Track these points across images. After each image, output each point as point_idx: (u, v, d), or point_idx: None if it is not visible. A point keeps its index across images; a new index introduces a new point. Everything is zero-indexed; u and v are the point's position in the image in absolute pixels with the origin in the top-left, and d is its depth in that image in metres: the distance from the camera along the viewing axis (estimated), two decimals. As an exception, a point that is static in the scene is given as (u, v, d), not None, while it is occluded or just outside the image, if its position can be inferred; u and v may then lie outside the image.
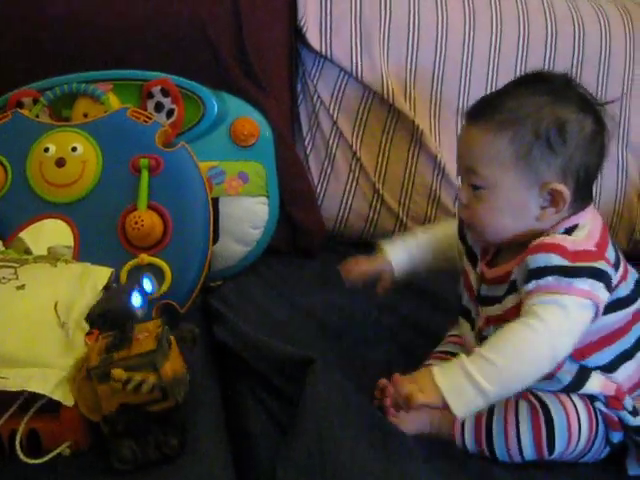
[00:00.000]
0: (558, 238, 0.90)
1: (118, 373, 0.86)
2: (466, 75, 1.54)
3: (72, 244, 1.22)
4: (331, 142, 1.52)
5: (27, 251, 1.20)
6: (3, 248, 1.20)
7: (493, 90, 1.47)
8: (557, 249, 0.88)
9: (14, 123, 1.28)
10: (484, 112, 0.94)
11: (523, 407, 0.94)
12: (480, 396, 0.84)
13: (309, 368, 1.02)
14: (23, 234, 1.22)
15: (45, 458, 0.89)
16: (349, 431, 0.91)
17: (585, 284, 0.87)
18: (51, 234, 1.24)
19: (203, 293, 1.32)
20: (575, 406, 0.93)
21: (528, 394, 0.95)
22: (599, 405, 0.94)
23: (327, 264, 1.46)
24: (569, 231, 0.93)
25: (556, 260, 0.87)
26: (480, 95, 1.46)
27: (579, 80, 0.98)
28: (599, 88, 1.59)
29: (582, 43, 1.58)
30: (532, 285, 0.88)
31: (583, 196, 0.95)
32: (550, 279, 0.87)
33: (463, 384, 0.84)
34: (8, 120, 1.29)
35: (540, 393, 0.95)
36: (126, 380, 0.86)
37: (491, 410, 0.95)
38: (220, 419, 1.03)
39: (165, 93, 1.34)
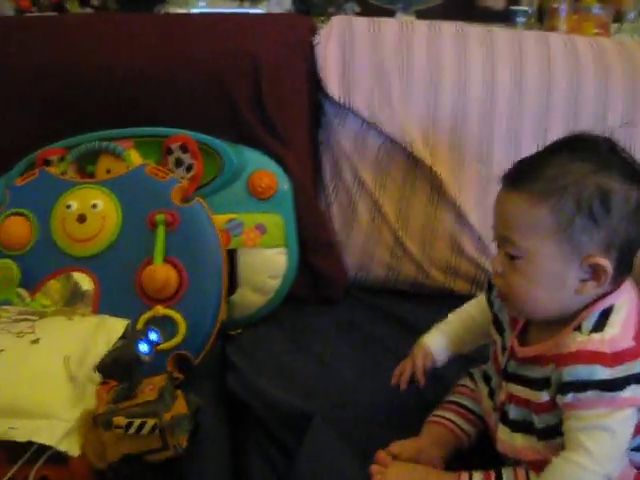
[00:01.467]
0: (595, 341, 0.85)
1: (119, 420, 0.92)
2: (486, 123, 1.53)
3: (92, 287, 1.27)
4: (353, 191, 1.54)
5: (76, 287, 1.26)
6: (29, 299, 1.25)
7: (513, 136, 1.53)
8: (596, 359, 0.83)
9: (41, 180, 1.34)
10: (523, 179, 0.89)
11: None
12: None
13: (310, 427, 1.03)
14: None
15: (53, 507, 0.93)
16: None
17: (628, 392, 0.83)
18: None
19: (222, 341, 1.34)
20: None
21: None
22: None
23: (349, 311, 1.49)
24: (605, 314, 0.88)
25: (597, 373, 0.83)
26: (500, 142, 1.52)
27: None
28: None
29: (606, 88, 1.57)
30: (570, 398, 0.84)
31: (625, 269, 0.89)
32: (590, 394, 0.83)
33: None
34: (35, 177, 1.35)
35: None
36: (127, 424, 0.91)
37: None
38: (225, 471, 1.05)
39: (184, 149, 1.38)
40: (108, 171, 1.36)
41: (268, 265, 1.42)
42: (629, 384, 0.83)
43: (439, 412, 1.08)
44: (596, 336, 0.85)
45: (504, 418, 0.95)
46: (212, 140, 1.40)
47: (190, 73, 1.47)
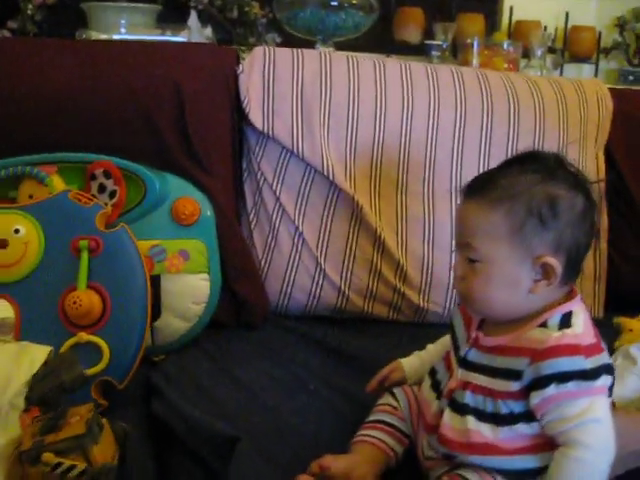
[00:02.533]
0: (570, 336, 0.93)
1: (48, 457, 0.90)
2: (404, 151, 1.59)
3: (13, 321, 1.25)
4: (274, 217, 1.57)
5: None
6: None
7: (431, 164, 1.59)
8: (576, 351, 0.92)
9: (-40, 205, 1.32)
10: (480, 188, 0.99)
11: None
12: None
13: (236, 448, 1.05)
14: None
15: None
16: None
17: (600, 381, 0.92)
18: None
19: (146, 367, 1.34)
20: None
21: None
22: None
23: (270, 336, 1.51)
24: (567, 316, 0.96)
25: (577, 364, 0.91)
26: (418, 171, 1.58)
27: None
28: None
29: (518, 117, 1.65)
30: (552, 390, 0.90)
31: (573, 272, 0.98)
32: (571, 385, 0.90)
33: None
34: (-46, 202, 1.33)
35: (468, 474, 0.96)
36: (55, 465, 0.90)
37: None
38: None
39: (108, 175, 1.38)
40: (30, 196, 1.35)
41: (191, 291, 1.43)
42: (601, 374, 0.92)
43: (366, 431, 1.11)
44: (568, 331, 0.94)
45: (453, 404, 0.99)
46: (135, 166, 1.41)
47: (113, 99, 1.47)
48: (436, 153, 1.61)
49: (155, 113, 1.48)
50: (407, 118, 1.60)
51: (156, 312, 1.37)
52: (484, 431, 0.96)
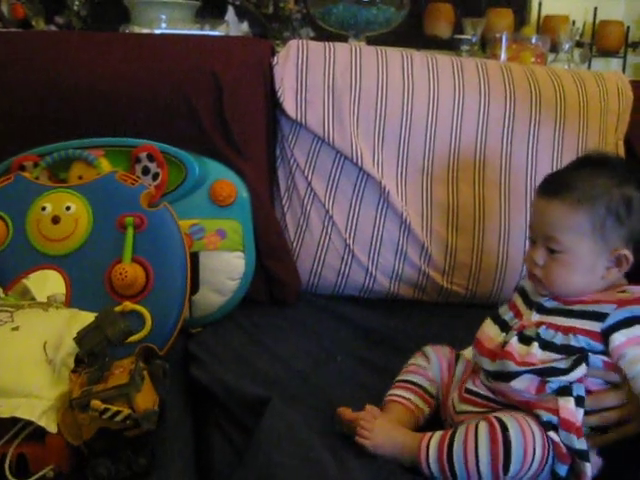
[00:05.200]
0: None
1: (96, 404, 0.99)
2: (430, 139, 1.66)
3: (64, 291, 1.35)
4: (306, 201, 1.65)
5: (29, 295, 1.33)
6: (3, 295, 1.33)
7: (455, 151, 1.66)
8: None
9: (16, 184, 1.42)
10: (560, 190, 1.09)
11: (482, 429, 1.00)
12: None
13: (268, 405, 1.13)
14: (27, 281, 1.35)
15: (31, 479, 1.00)
16: (294, 460, 1.02)
17: None
18: (52, 283, 1.36)
19: (184, 339, 1.43)
20: (532, 430, 1.00)
21: (490, 416, 1.02)
22: (552, 434, 1.01)
23: (301, 313, 1.59)
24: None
25: None
26: (443, 158, 1.65)
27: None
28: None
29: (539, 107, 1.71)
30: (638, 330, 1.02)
31: (637, 259, 1.10)
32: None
33: None
34: (11, 182, 1.42)
35: (501, 414, 1.02)
36: (103, 410, 0.99)
37: (452, 434, 1.03)
38: (188, 447, 1.14)
39: (151, 158, 1.48)
40: (80, 177, 1.44)
41: (227, 267, 1.51)
42: None
43: (397, 392, 1.19)
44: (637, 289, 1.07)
45: (521, 335, 1.08)
46: (176, 151, 1.50)
47: (156, 89, 1.56)
48: (460, 141, 1.67)
49: (195, 101, 1.57)
50: (433, 108, 1.67)
51: (195, 286, 1.47)
52: (543, 358, 1.04)
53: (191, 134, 1.57)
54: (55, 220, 1.38)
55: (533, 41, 2.61)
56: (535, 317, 1.10)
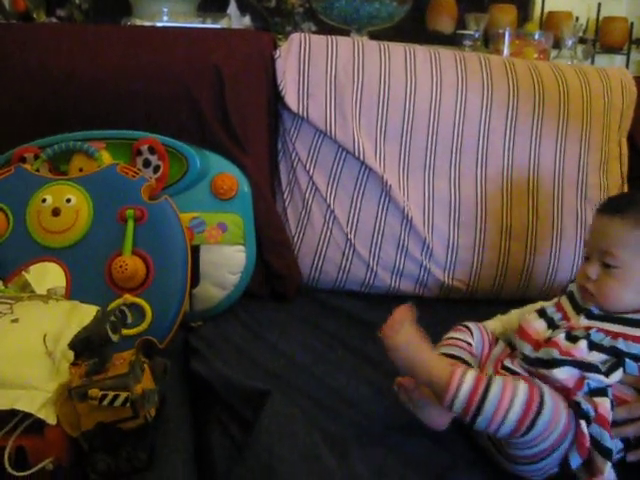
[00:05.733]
0: None
1: (94, 392, 0.98)
2: (432, 134, 1.66)
3: (64, 284, 1.35)
4: (307, 195, 1.64)
5: (28, 288, 1.33)
6: (3, 287, 1.33)
7: (458, 147, 1.65)
8: None
9: (17, 176, 1.41)
10: (622, 208, 1.13)
11: (522, 385, 1.00)
12: None
13: (268, 399, 1.13)
14: (28, 274, 1.35)
15: (30, 471, 0.99)
16: (293, 455, 1.02)
17: None
18: (52, 276, 1.36)
19: (184, 332, 1.43)
20: (562, 407, 1.01)
21: (529, 378, 1.05)
22: (582, 424, 1.01)
23: (302, 307, 1.59)
24: None
25: None
26: (445, 153, 1.64)
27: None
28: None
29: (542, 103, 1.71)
30: None
31: None
32: None
33: None
34: (11, 174, 1.41)
35: (539, 383, 1.03)
36: (101, 397, 0.98)
37: (490, 378, 1.01)
38: (188, 442, 1.13)
39: (152, 151, 1.47)
40: (81, 169, 1.44)
41: (228, 261, 1.51)
42: None
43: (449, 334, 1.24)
44: None
45: (569, 335, 1.09)
46: (178, 144, 1.49)
47: (158, 81, 1.56)
48: (463, 137, 1.67)
49: (197, 94, 1.56)
50: (435, 102, 1.67)
51: (195, 280, 1.46)
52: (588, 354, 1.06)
53: (192, 127, 1.57)
54: (55, 212, 1.37)
55: (536, 37, 2.61)
56: (584, 321, 1.12)
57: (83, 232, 1.37)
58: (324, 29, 2.39)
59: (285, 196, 1.67)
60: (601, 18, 2.91)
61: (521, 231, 1.66)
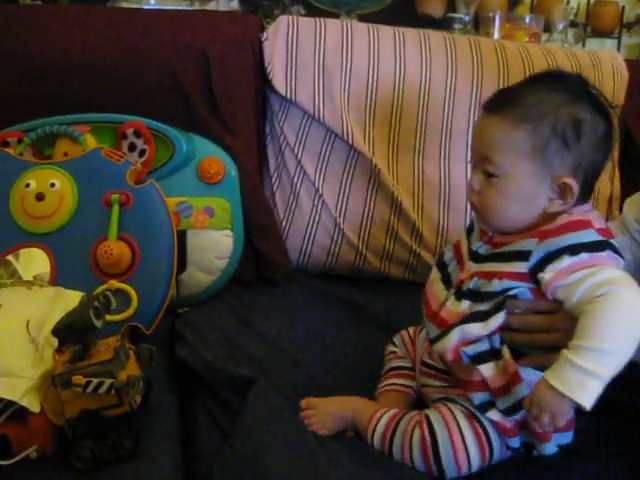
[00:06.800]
0: (579, 213, 0.97)
1: (78, 379, 0.97)
2: (422, 117, 1.64)
3: (49, 270, 1.33)
4: (295, 179, 1.63)
5: (16, 275, 1.32)
6: (-15, 274, 1.32)
7: (447, 130, 1.64)
8: (586, 225, 0.95)
9: (-1, 161, 1.40)
10: (504, 104, 0.99)
11: (416, 436, 1.01)
12: (602, 383, 0.88)
13: (253, 386, 1.12)
14: (12, 257, 1.34)
15: (13, 460, 0.98)
16: (279, 442, 1.01)
17: (606, 253, 0.94)
18: (39, 262, 1.34)
19: (171, 318, 1.42)
20: (462, 435, 0.99)
21: (423, 421, 1.02)
22: (491, 414, 0.99)
23: (290, 292, 1.57)
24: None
25: (589, 236, 0.94)
26: (435, 137, 1.63)
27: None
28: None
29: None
30: (566, 262, 0.92)
31: (587, 191, 1.00)
32: (584, 254, 0.92)
33: (586, 382, 0.88)
34: (-6, 158, 1.39)
35: (432, 415, 1.02)
36: (85, 384, 0.97)
37: (398, 422, 1.04)
38: (173, 428, 1.13)
39: (138, 135, 1.45)
40: (65, 154, 1.42)
41: (215, 246, 1.50)
42: (607, 249, 0.95)
43: (385, 382, 1.19)
44: (577, 209, 0.98)
45: (458, 292, 1.02)
46: (164, 127, 1.47)
47: (144, 65, 1.54)
48: (452, 119, 1.66)
49: (182, 77, 1.54)
50: (425, 85, 1.65)
51: (182, 265, 1.44)
52: (468, 311, 0.99)
53: (178, 110, 1.55)
54: (39, 197, 1.36)
55: (527, 21, 2.60)
56: (472, 267, 1.03)
57: (67, 217, 1.35)
58: (313, 12, 2.37)
59: (273, 180, 1.66)
60: (592, 2, 2.88)
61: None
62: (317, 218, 1.62)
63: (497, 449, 1.01)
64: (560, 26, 2.62)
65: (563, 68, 1.12)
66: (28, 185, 1.36)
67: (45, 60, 1.52)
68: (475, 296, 1.00)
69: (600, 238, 0.95)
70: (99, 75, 1.52)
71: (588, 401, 0.88)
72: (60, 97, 1.51)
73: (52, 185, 1.36)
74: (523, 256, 0.96)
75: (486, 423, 1.00)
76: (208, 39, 1.59)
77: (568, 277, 0.93)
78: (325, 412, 1.09)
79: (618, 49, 2.89)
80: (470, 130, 1.65)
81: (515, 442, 1.01)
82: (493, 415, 0.99)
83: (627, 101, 1.78)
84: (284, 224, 1.63)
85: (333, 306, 1.53)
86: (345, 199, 1.62)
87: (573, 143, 0.96)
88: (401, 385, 1.17)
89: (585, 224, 0.96)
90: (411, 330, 1.23)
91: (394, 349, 1.23)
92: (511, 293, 0.97)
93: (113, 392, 0.98)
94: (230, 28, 1.64)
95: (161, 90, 1.54)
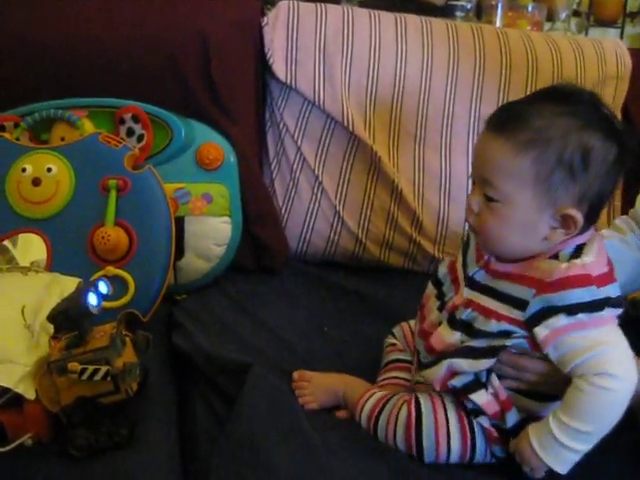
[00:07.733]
0: (577, 267, 0.90)
1: (73, 365, 0.96)
2: (423, 104, 1.63)
3: (45, 256, 1.32)
4: (295, 167, 1.62)
5: (11, 260, 1.30)
6: (-19, 260, 1.30)
7: (449, 117, 1.62)
8: (586, 281, 0.89)
9: (-5, 145, 1.38)
10: (509, 126, 0.92)
11: (402, 415, 1.01)
12: (579, 455, 0.90)
13: (250, 374, 1.11)
14: (9, 243, 1.33)
15: (8, 447, 0.97)
16: (276, 428, 1.01)
17: (605, 313, 0.90)
18: (36, 248, 1.33)
19: (169, 305, 1.41)
20: (448, 424, 0.99)
21: (412, 404, 1.01)
22: (482, 420, 0.98)
23: (289, 280, 1.56)
24: (579, 248, 0.93)
25: (587, 295, 0.89)
26: (436, 125, 1.61)
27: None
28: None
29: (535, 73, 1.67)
30: (563, 321, 0.89)
31: (592, 220, 0.95)
32: (581, 316, 0.89)
33: (563, 454, 0.90)
34: (-11, 142, 1.38)
35: (423, 399, 1.01)
36: (81, 371, 0.96)
37: (385, 402, 1.04)
38: (170, 415, 1.12)
39: (136, 119, 1.44)
40: (62, 139, 1.41)
41: (213, 233, 1.48)
42: (607, 307, 0.90)
43: (385, 375, 1.18)
44: (577, 262, 0.90)
45: (452, 319, 0.99)
46: (162, 112, 1.46)
47: (142, 49, 1.52)
48: (454, 107, 1.64)
49: (181, 62, 1.53)
50: (426, 72, 1.64)
51: (179, 252, 1.44)
52: (460, 343, 0.98)
53: (177, 95, 1.54)
54: (36, 182, 1.34)
55: (529, 9, 2.59)
56: (467, 294, 0.99)
57: (64, 202, 1.34)
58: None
59: (273, 167, 1.64)
60: (595, -10, 2.87)
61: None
62: (317, 206, 1.61)
63: (480, 447, 0.99)
64: (563, 15, 2.61)
65: (572, 82, 1.01)
66: (24, 170, 1.35)
67: (42, 44, 1.50)
68: (469, 329, 0.97)
69: (599, 297, 0.90)
70: (97, 60, 1.50)
71: (563, 469, 0.91)
72: (57, 81, 1.50)
73: (49, 170, 1.35)
74: (519, 305, 0.93)
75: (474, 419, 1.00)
76: (207, 23, 1.57)
77: (564, 336, 0.90)
78: (317, 385, 1.11)
79: (621, 38, 2.88)
80: (472, 120, 1.64)
81: (499, 451, 1.00)
82: (483, 422, 0.99)
83: (630, 89, 1.77)
84: (283, 211, 1.62)
85: (332, 294, 1.52)
86: (345, 187, 1.61)
87: (580, 173, 0.90)
88: (402, 379, 1.16)
89: (584, 280, 0.90)
90: (412, 322, 1.21)
91: (394, 341, 1.22)
92: (508, 344, 0.94)
93: (109, 379, 0.98)
94: (230, 13, 1.62)
95: (160, 75, 1.52)
